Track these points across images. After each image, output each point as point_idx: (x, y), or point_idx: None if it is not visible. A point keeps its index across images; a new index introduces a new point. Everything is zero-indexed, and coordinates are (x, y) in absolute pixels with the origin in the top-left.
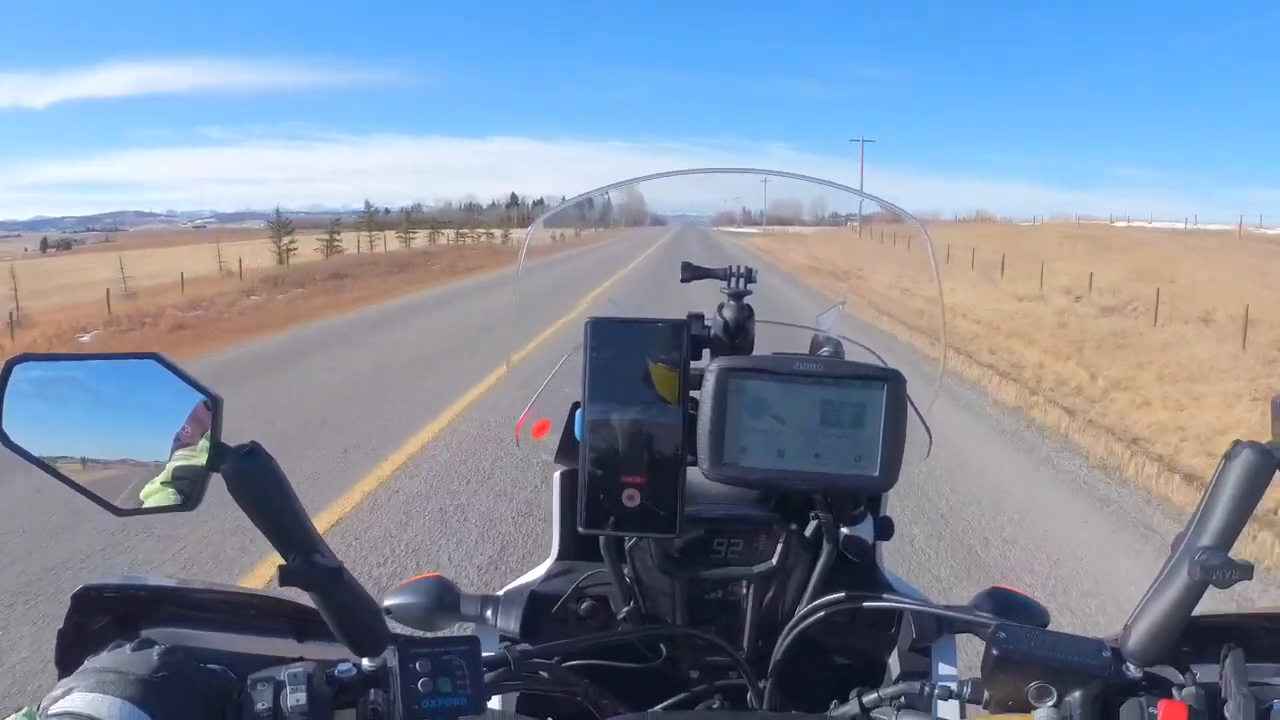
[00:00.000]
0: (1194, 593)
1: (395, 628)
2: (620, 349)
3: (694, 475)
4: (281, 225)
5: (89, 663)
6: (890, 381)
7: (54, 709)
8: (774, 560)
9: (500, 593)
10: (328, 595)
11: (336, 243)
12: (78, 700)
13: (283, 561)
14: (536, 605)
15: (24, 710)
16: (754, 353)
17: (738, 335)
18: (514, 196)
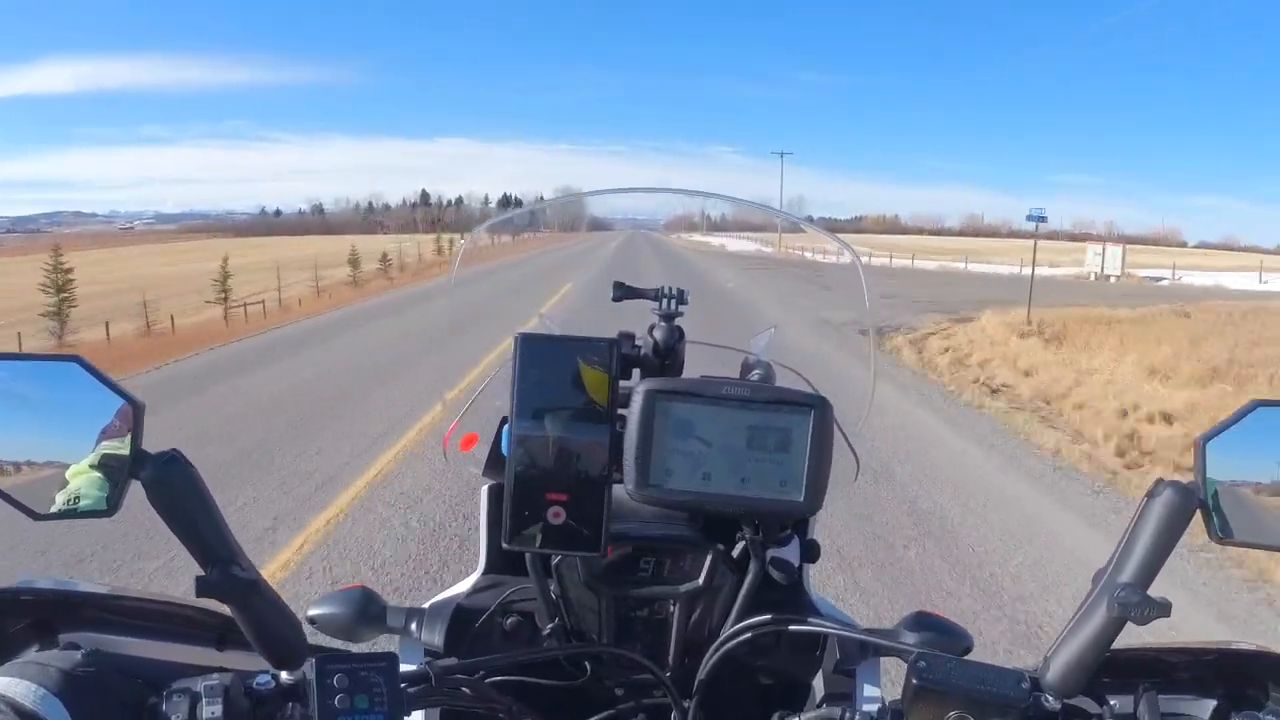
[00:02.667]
0: (1112, 628)
1: (319, 639)
2: (549, 366)
3: (622, 492)
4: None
5: (9, 664)
6: (817, 408)
7: None
8: (700, 580)
9: (425, 605)
10: (245, 607)
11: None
12: None
13: (200, 572)
14: (461, 619)
15: None
16: (684, 374)
17: (667, 356)
18: (424, 195)
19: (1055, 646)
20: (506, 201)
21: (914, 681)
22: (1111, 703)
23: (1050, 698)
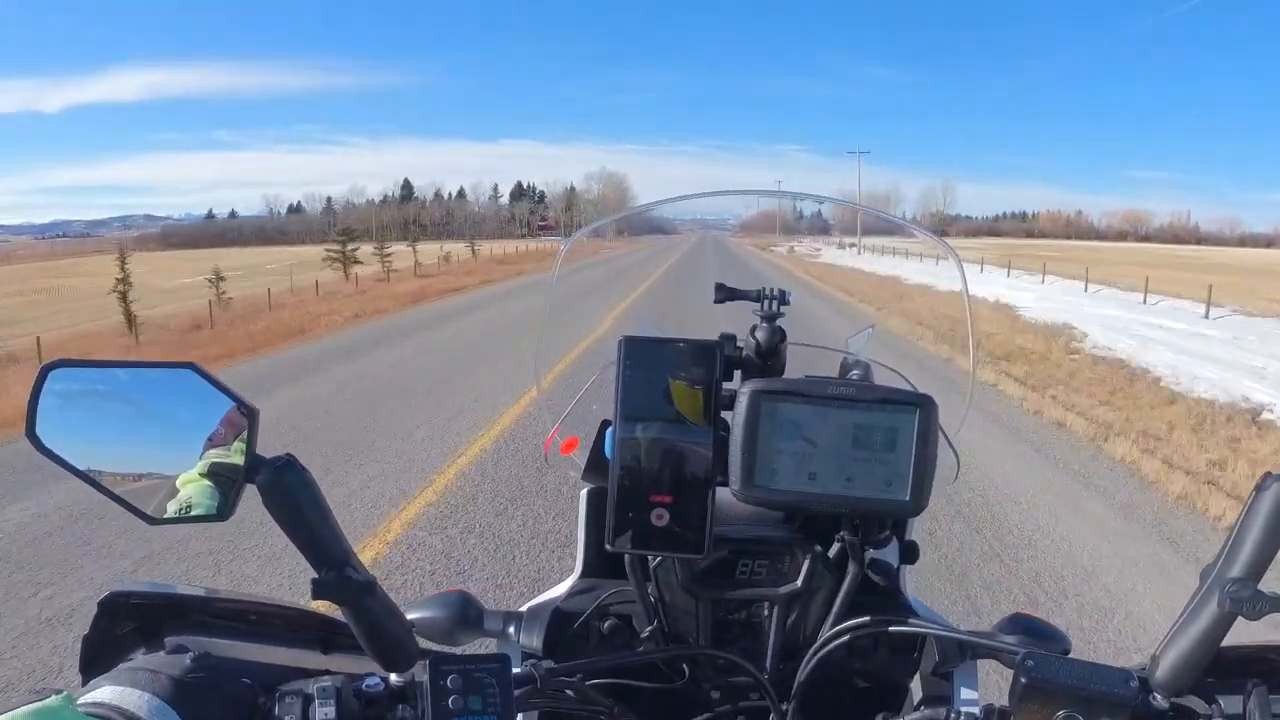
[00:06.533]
0: (1223, 624)
1: (420, 643)
2: (652, 368)
3: (718, 495)
4: None
5: (121, 665)
6: (922, 406)
7: (83, 699)
8: (799, 582)
9: (523, 609)
10: (360, 610)
11: None
12: (108, 693)
13: (314, 575)
14: (559, 622)
15: (63, 694)
16: (785, 375)
17: (769, 357)
18: (406, 187)
19: (1164, 644)
20: (520, 191)
21: (1022, 680)
22: (1219, 701)
23: (1159, 696)
